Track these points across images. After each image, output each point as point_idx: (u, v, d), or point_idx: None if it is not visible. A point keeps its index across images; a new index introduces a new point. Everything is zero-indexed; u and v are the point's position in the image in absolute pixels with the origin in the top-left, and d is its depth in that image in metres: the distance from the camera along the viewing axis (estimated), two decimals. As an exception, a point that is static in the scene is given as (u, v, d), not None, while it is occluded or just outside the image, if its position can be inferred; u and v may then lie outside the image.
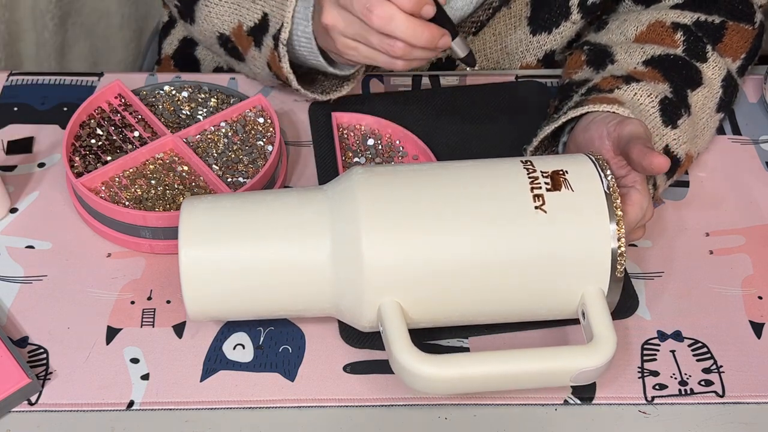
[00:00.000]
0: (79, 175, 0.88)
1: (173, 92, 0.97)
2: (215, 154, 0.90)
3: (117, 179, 0.88)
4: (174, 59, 1.19)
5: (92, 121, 0.93)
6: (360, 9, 0.77)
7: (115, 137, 0.92)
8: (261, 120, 0.93)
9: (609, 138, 0.81)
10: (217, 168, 0.89)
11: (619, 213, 0.73)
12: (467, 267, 0.72)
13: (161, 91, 0.97)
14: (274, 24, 0.89)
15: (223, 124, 0.93)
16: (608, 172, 0.74)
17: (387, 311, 0.72)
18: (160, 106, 0.95)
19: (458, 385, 0.71)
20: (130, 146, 0.91)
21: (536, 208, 0.72)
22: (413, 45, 0.78)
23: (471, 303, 0.74)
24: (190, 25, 0.99)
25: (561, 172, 0.74)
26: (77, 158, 0.90)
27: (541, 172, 0.74)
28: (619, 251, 0.72)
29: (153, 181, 0.88)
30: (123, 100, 0.95)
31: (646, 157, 0.75)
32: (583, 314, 0.74)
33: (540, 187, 0.73)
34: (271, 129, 0.92)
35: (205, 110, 0.95)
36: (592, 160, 0.76)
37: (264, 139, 0.92)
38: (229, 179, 0.88)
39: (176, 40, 1.19)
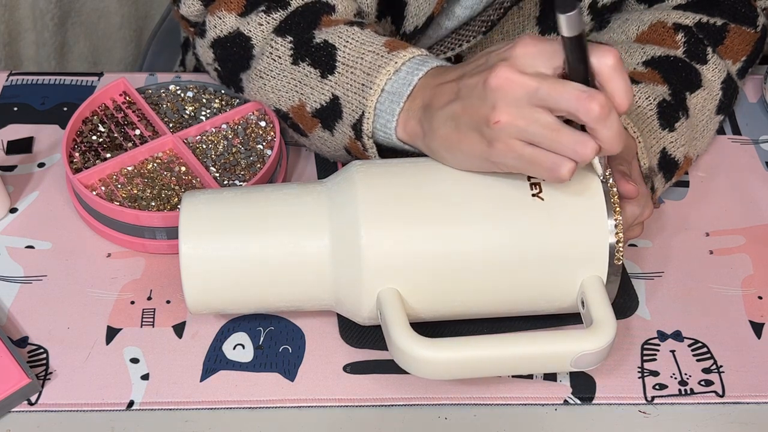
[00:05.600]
0: (77, 171, 0.88)
1: (178, 92, 0.97)
2: (214, 156, 0.90)
3: (114, 177, 0.88)
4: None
5: (95, 117, 0.93)
6: (574, 97, 0.65)
7: (116, 134, 0.92)
8: (263, 124, 0.93)
9: None
10: (215, 170, 0.89)
11: (616, 199, 0.73)
12: (465, 254, 0.72)
13: (166, 90, 0.97)
14: (350, 111, 0.80)
15: (224, 126, 0.93)
16: (605, 165, 0.75)
17: (385, 298, 0.72)
18: (164, 105, 0.95)
19: (458, 368, 0.71)
20: (130, 144, 0.91)
21: (533, 195, 0.73)
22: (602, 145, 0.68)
23: (469, 291, 0.74)
24: (233, 91, 0.92)
25: None
26: (77, 154, 0.90)
27: None
28: (616, 237, 0.73)
29: (150, 181, 0.88)
30: (127, 98, 0.95)
31: (617, 183, 0.75)
32: (583, 303, 0.74)
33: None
34: (272, 133, 0.92)
35: (208, 111, 0.95)
36: None
37: (264, 143, 0.91)
38: (226, 182, 0.88)
39: (194, 57, 1.19)
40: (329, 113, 0.82)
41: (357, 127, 0.79)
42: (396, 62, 0.77)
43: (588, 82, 0.66)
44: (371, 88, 0.78)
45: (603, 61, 0.66)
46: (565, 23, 0.63)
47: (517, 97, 0.67)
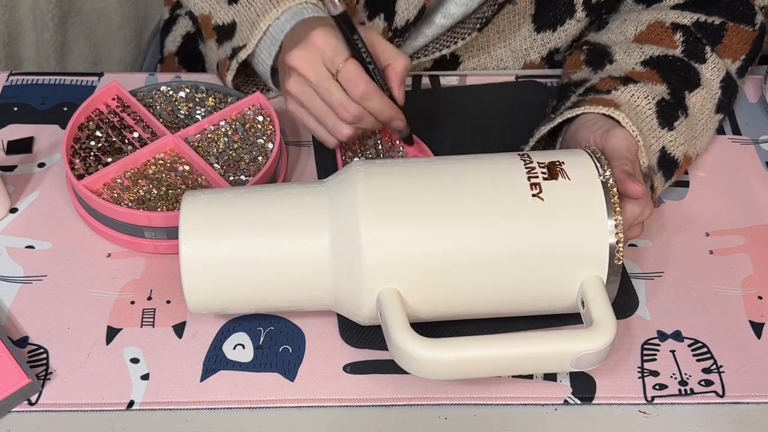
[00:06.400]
0: (80, 177, 0.88)
1: (170, 92, 0.97)
2: (216, 153, 0.90)
3: (119, 180, 0.88)
4: (178, 56, 1.19)
5: (90, 123, 0.93)
6: (336, 103, 0.84)
7: (114, 139, 0.92)
8: (260, 118, 0.93)
9: (595, 147, 0.81)
10: (219, 167, 0.89)
11: (616, 200, 0.73)
12: (465, 254, 0.72)
13: (158, 92, 0.97)
14: (239, 39, 0.93)
15: (222, 123, 0.93)
16: (605, 165, 0.75)
17: (385, 298, 0.72)
18: (158, 107, 0.95)
19: (458, 368, 0.71)
20: (130, 147, 0.91)
21: (533, 196, 0.73)
22: (375, 118, 0.86)
23: (469, 291, 0.74)
24: None
25: (558, 163, 0.75)
26: (77, 160, 0.90)
27: (538, 162, 0.75)
28: (616, 237, 0.73)
29: (155, 182, 0.88)
30: (121, 101, 0.95)
31: (622, 183, 0.76)
32: (583, 303, 0.74)
33: (537, 177, 0.74)
34: (270, 126, 0.92)
35: (203, 110, 0.95)
36: (588, 154, 0.76)
37: (264, 137, 0.92)
38: (231, 177, 0.88)
39: (179, 36, 1.19)
40: (226, 33, 0.95)
41: (236, 51, 0.94)
42: (277, 10, 0.91)
43: (363, 59, 0.83)
44: (257, 28, 0.92)
45: (393, 65, 0.86)
46: (330, 4, 0.81)
47: (301, 79, 0.85)
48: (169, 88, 0.97)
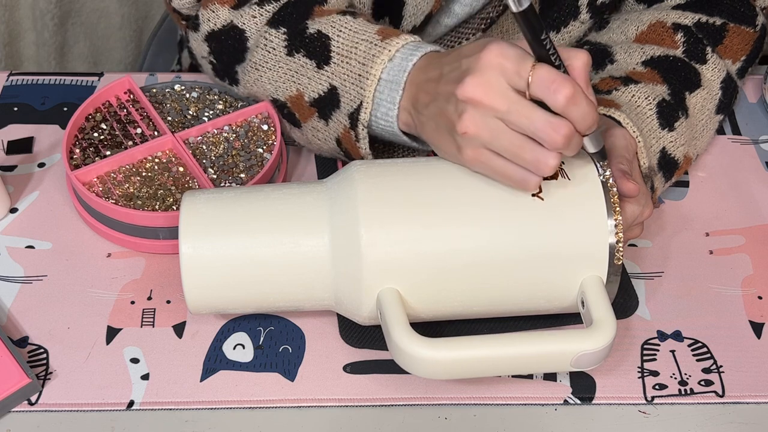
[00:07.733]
0: (76, 167, 0.88)
1: (183, 92, 0.97)
2: (213, 158, 0.90)
3: (113, 175, 0.88)
4: (191, 71, 1.19)
5: (98, 114, 0.93)
6: (540, 127, 0.67)
7: (117, 132, 0.92)
8: (265, 127, 0.92)
9: None
10: (213, 172, 0.89)
11: (616, 199, 0.73)
12: (465, 254, 0.72)
13: (171, 90, 0.97)
14: (348, 101, 0.81)
15: (226, 127, 0.92)
16: (605, 165, 0.75)
17: (385, 297, 0.72)
18: (168, 105, 0.95)
19: (458, 368, 0.71)
20: (131, 142, 0.91)
21: (533, 195, 0.73)
22: (578, 131, 0.69)
23: (469, 291, 0.74)
24: (229, 85, 0.92)
25: None
26: (78, 150, 0.90)
27: None
28: (616, 237, 0.73)
29: (147, 180, 0.88)
30: (131, 96, 0.95)
31: (618, 182, 0.75)
32: (583, 303, 0.74)
33: None
34: (273, 137, 0.92)
35: (211, 112, 0.95)
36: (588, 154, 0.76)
37: (264, 147, 0.91)
38: (223, 184, 0.88)
39: (187, 56, 1.19)
40: (327, 103, 0.83)
41: (354, 116, 0.80)
42: (389, 50, 0.79)
43: (551, 62, 0.67)
44: (368, 78, 0.79)
45: (571, 64, 0.69)
46: (513, 1, 0.64)
47: (484, 112, 0.69)
48: (182, 88, 0.97)
